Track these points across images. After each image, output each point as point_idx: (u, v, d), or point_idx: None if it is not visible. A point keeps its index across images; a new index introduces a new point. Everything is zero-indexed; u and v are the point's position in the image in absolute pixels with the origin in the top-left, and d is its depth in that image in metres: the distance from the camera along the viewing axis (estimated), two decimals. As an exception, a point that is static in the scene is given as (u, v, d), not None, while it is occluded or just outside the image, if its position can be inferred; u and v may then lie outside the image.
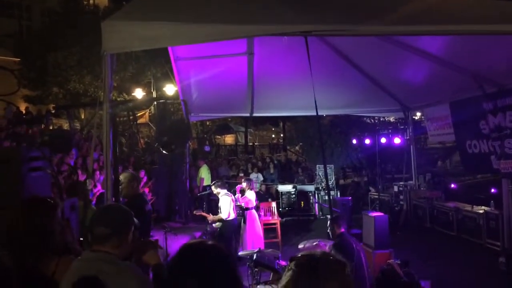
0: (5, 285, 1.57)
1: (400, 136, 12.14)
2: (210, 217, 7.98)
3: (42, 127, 15.40)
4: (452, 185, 12.63)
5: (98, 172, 9.70)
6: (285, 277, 1.45)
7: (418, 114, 20.22)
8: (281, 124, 27.71)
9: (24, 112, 17.54)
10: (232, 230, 7.92)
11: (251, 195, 8.24)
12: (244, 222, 8.19)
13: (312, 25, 4.06)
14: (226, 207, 7.67)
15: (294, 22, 4.05)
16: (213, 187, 8.03)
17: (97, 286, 1.93)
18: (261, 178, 14.46)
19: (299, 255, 1.51)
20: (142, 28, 3.91)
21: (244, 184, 8.42)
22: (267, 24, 4.01)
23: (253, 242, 7.83)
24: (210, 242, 1.65)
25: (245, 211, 8.20)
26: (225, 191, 7.89)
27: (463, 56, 7.23)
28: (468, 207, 9.78)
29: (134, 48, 4.43)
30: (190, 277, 1.50)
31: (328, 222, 5.92)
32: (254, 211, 8.25)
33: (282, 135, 29.43)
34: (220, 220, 7.79)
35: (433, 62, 7.76)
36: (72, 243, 2.51)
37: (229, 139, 30.92)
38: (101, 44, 3.89)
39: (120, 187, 4.28)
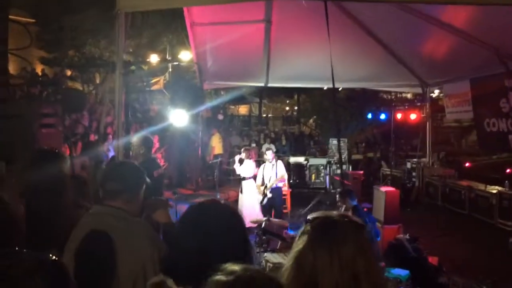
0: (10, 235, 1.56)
1: (416, 112, 11.92)
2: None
3: (54, 89, 15.48)
4: (467, 164, 12.47)
5: (111, 136, 9.75)
6: (300, 240, 1.39)
7: (436, 91, 19.85)
8: (295, 96, 27.43)
9: (40, 73, 17.61)
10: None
11: (249, 164, 8.26)
12: (242, 192, 8.24)
13: (333, -11, 3.93)
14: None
15: (314, -15, 3.92)
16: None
17: (106, 241, 1.92)
18: (274, 150, 14.44)
19: (315, 216, 1.45)
20: (158, -13, 3.82)
21: (243, 154, 8.45)
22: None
23: (252, 212, 7.84)
24: (222, 202, 1.62)
25: (242, 181, 8.25)
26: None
27: (487, 31, 6.97)
28: (481, 186, 9.66)
29: (148, 7, 4.34)
30: (199, 235, 1.47)
31: (337, 195, 5.90)
32: (252, 180, 8.29)
33: (296, 107, 29.20)
34: None
35: (456, 36, 7.50)
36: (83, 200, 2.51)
37: (243, 109, 30.80)
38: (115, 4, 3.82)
39: (131, 150, 4.28)
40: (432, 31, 7.64)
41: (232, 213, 1.58)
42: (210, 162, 12.05)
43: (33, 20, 17.90)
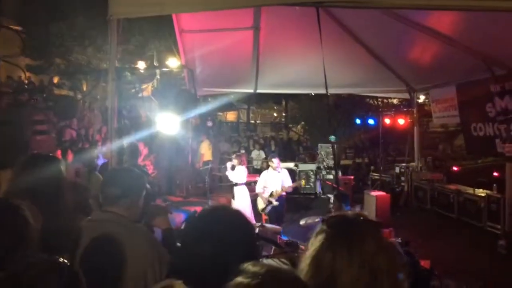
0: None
1: (404, 118, 12.06)
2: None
3: (44, 96, 15.32)
4: (454, 168, 12.63)
5: (100, 143, 9.67)
6: (317, 239, 1.37)
7: (422, 97, 20.10)
8: (283, 102, 27.55)
9: (26, 81, 17.40)
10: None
11: (241, 171, 8.25)
12: (234, 198, 8.22)
13: (324, -5, 3.96)
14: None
15: (306, -8, 3.95)
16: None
17: (114, 246, 1.88)
18: (263, 156, 14.47)
19: (331, 216, 1.44)
20: (150, -7, 3.81)
21: (235, 160, 8.43)
22: (279, -7, 3.92)
23: (252, 222, 7.88)
24: (231, 208, 1.61)
25: (234, 187, 8.23)
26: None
27: (473, 37, 7.10)
28: (470, 190, 9.79)
29: (141, 14, 4.33)
30: (211, 239, 1.45)
31: (332, 198, 5.91)
32: (244, 186, 8.28)
33: (284, 114, 29.30)
34: None
35: (442, 42, 7.62)
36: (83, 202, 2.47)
37: (231, 116, 30.81)
38: (107, 9, 3.80)
39: (124, 156, 4.25)
40: (419, 37, 7.75)
41: (242, 217, 1.58)
42: (200, 168, 12.00)
43: (19, 28, 17.72)
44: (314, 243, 1.37)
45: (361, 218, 1.41)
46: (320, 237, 1.37)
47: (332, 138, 6.70)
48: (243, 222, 1.57)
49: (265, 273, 1.09)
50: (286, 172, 8.38)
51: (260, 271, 1.10)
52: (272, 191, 8.03)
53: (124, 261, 1.90)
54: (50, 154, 2.45)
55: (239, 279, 1.09)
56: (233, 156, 8.90)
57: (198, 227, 1.54)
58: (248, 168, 10.11)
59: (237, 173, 8.27)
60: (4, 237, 1.49)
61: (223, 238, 1.46)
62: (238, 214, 1.58)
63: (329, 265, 1.31)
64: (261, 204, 8.11)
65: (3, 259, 1.41)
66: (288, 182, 8.24)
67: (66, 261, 1.07)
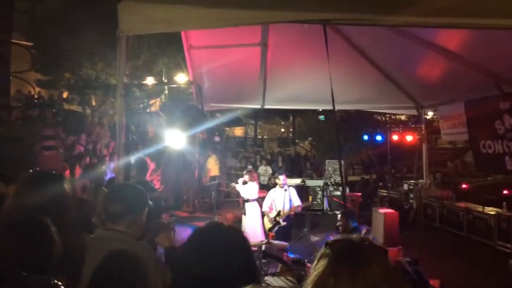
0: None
1: (412, 134, 12.00)
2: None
3: (53, 111, 15.47)
4: (463, 186, 12.50)
5: (107, 158, 9.70)
6: (320, 264, 1.33)
7: (430, 113, 20.03)
8: (291, 118, 27.58)
9: (36, 96, 17.61)
10: None
11: (253, 187, 8.20)
12: (245, 214, 8.17)
13: (332, 13, 3.98)
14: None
15: (313, 9, 3.97)
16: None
17: (132, 262, 1.84)
18: (270, 171, 14.43)
19: (335, 239, 1.40)
20: (159, 10, 3.85)
21: (246, 176, 8.39)
22: (286, 10, 3.93)
23: (254, 234, 7.77)
24: (228, 225, 1.59)
25: (245, 203, 8.18)
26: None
27: (481, 54, 7.08)
28: (479, 208, 9.66)
29: (150, 31, 4.37)
30: (206, 258, 1.44)
31: (339, 215, 5.85)
32: (255, 203, 8.22)
33: (291, 129, 29.30)
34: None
35: (450, 59, 7.61)
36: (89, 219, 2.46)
37: (238, 131, 30.87)
38: (117, 26, 3.84)
39: (132, 171, 4.25)
40: (426, 54, 7.74)
41: (238, 235, 1.56)
42: (207, 184, 11.98)
43: (30, 43, 18.02)
44: (317, 267, 1.33)
45: (366, 243, 1.37)
46: (323, 262, 1.33)
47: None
48: (239, 239, 1.55)
49: None
50: (294, 191, 8.26)
51: None
52: (280, 211, 7.91)
53: (141, 279, 1.84)
54: (53, 172, 2.45)
55: None
56: (245, 172, 8.88)
57: (195, 246, 1.52)
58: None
59: (249, 189, 8.23)
60: (35, 254, 1.49)
61: (220, 255, 1.44)
62: (235, 231, 1.57)
63: None
64: (267, 224, 8.01)
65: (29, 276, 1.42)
66: (296, 201, 8.11)
67: (60, 283, 1.06)
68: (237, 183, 8.63)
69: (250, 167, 14.07)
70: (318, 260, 1.35)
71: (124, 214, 2.10)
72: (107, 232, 2.09)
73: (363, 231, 5.51)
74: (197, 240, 1.53)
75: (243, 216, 8.27)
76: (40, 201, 2.20)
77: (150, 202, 2.26)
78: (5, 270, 1.44)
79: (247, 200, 8.21)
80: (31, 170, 2.78)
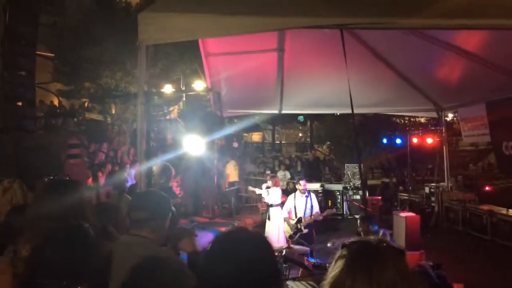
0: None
1: (432, 136, 11.86)
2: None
3: (75, 120, 15.79)
4: (486, 188, 12.27)
5: (128, 165, 9.85)
6: (336, 265, 1.34)
7: (450, 115, 19.73)
8: (308, 123, 27.52)
9: (57, 105, 17.98)
10: None
11: (277, 192, 8.20)
12: (269, 219, 8.18)
13: (348, 18, 4.00)
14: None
15: (330, 15, 3.99)
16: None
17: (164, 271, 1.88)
18: (288, 176, 14.42)
19: (352, 241, 1.41)
20: (178, 20, 3.93)
21: (269, 182, 8.41)
22: (303, 16, 3.97)
23: (278, 239, 7.79)
24: (251, 229, 1.61)
25: (269, 208, 8.18)
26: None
27: (501, 54, 6.98)
28: (503, 211, 9.48)
29: (169, 40, 4.45)
30: (230, 262, 1.45)
31: (359, 220, 5.82)
32: (279, 207, 8.22)
33: (309, 133, 29.23)
34: None
35: (470, 60, 7.52)
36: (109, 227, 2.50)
37: (256, 136, 30.93)
38: (137, 36, 3.94)
39: (153, 177, 4.32)
40: (446, 56, 7.67)
41: (262, 239, 1.57)
42: (227, 189, 12.04)
43: (51, 54, 18.43)
44: (334, 268, 1.35)
45: (384, 244, 1.38)
46: (340, 263, 1.34)
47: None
48: (263, 243, 1.56)
49: None
50: (314, 197, 8.21)
51: None
52: (300, 217, 7.84)
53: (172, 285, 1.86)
54: (70, 179, 2.51)
55: None
56: (268, 177, 8.93)
57: (218, 250, 1.54)
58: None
59: (272, 194, 8.26)
60: (76, 262, 1.53)
61: (244, 260, 1.46)
62: (258, 236, 1.59)
63: None
64: (288, 230, 7.97)
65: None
66: (316, 208, 8.04)
67: None
68: (261, 188, 8.67)
69: (268, 172, 14.11)
70: (336, 261, 1.36)
71: (148, 220, 2.15)
72: (132, 238, 2.13)
73: (387, 236, 5.47)
74: (221, 244, 1.54)
75: (267, 221, 8.28)
76: (58, 208, 2.24)
77: (173, 208, 2.30)
78: (48, 279, 1.47)
79: (271, 205, 8.23)
80: (48, 178, 2.86)
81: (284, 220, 7.99)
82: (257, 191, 9.03)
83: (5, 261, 2.04)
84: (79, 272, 1.51)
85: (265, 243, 1.57)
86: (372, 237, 1.44)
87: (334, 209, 9.04)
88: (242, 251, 1.49)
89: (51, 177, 2.75)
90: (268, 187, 8.42)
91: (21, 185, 3.09)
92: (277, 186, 8.35)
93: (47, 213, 2.05)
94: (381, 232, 5.61)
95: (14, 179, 3.05)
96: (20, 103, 3.94)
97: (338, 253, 1.39)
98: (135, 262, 1.80)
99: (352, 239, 1.43)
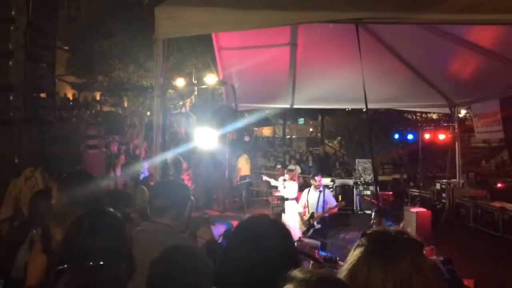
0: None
1: (444, 133, 11.79)
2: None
3: (87, 113, 16.00)
4: (498, 185, 12.19)
5: (141, 158, 9.96)
6: (356, 252, 1.38)
7: (463, 112, 19.56)
8: (319, 117, 27.47)
9: (71, 98, 18.20)
10: None
11: (293, 186, 8.22)
12: (284, 212, 8.23)
13: (363, 12, 4.02)
14: None
15: (345, 9, 4.01)
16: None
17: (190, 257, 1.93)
18: (299, 171, 14.43)
19: (372, 231, 1.45)
20: (194, 14, 3.98)
21: (287, 175, 8.45)
22: (318, 10, 4.00)
23: (293, 232, 7.85)
24: (271, 217, 1.66)
25: (285, 201, 8.23)
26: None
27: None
28: (515, 208, 9.43)
29: (185, 34, 4.52)
30: (253, 248, 1.50)
31: (373, 214, 5.84)
32: (294, 201, 8.26)
33: (320, 128, 29.19)
34: None
35: (483, 55, 7.47)
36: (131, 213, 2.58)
37: (266, 131, 30.97)
38: (150, 29, 4.01)
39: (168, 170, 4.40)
40: (459, 51, 7.63)
41: (282, 226, 1.62)
42: (238, 183, 12.11)
43: (66, 47, 18.62)
44: (352, 256, 1.38)
45: (404, 235, 1.40)
46: (358, 251, 1.37)
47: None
48: (283, 230, 1.60)
49: (316, 281, 1.12)
50: (329, 193, 8.17)
51: (310, 278, 1.12)
52: (313, 212, 7.86)
53: (197, 272, 1.92)
54: (89, 171, 2.59)
55: (289, 286, 1.13)
56: (286, 170, 9.00)
57: (239, 236, 1.58)
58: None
59: (288, 188, 8.30)
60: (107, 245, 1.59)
61: (265, 246, 1.50)
62: (278, 223, 1.63)
63: (364, 280, 1.31)
64: (301, 226, 7.97)
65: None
66: (332, 203, 8.01)
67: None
68: (276, 179, 8.74)
69: (279, 166, 14.14)
70: (354, 249, 1.40)
71: (169, 208, 2.21)
72: (154, 225, 2.20)
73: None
74: (242, 230, 1.60)
75: (282, 214, 8.33)
76: (82, 196, 2.32)
77: (192, 197, 2.37)
78: (82, 262, 1.53)
79: (287, 199, 8.28)
80: (70, 169, 2.94)
81: (299, 215, 8.02)
82: (272, 182, 9.09)
83: (38, 243, 2.12)
84: (113, 254, 1.57)
85: (285, 229, 1.62)
86: (392, 228, 1.46)
87: (343, 202, 9.01)
88: (264, 237, 1.53)
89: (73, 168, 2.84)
90: (284, 180, 8.47)
91: (42, 174, 3.19)
92: (293, 180, 8.37)
93: (74, 200, 2.13)
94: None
95: (36, 167, 3.16)
96: (42, 95, 4.05)
97: (358, 241, 1.42)
98: (159, 249, 1.88)
99: (373, 229, 1.46)
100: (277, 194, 8.74)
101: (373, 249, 1.36)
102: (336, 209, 8.04)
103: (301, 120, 25.78)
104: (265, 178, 9.77)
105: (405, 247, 1.36)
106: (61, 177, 2.51)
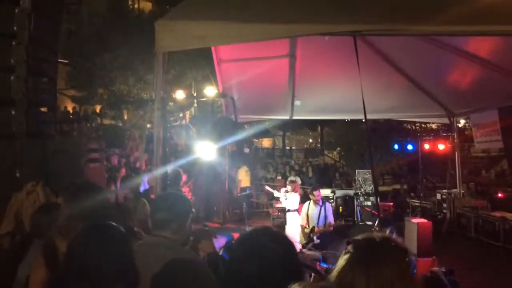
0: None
1: (444, 143, 11.82)
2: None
3: (88, 126, 16.04)
4: (499, 195, 12.18)
5: (142, 170, 9.95)
6: (341, 261, 1.40)
7: (462, 121, 19.60)
8: (319, 128, 27.55)
9: (71, 111, 18.25)
10: None
11: (295, 197, 8.20)
12: (286, 223, 8.21)
13: (361, 24, 4.07)
14: None
15: (343, 21, 4.06)
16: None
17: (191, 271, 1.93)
18: (299, 182, 14.41)
19: (358, 238, 1.46)
20: (194, 27, 4.02)
21: (289, 187, 8.44)
22: (316, 23, 4.04)
23: (295, 244, 7.80)
24: (274, 230, 1.67)
25: (287, 213, 8.21)
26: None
27: (513, 59, 6.97)
28: (516, 217, 9.41)
29: (186, 47, 4.56)
30: (257, 260, 1.51)
31: (376, 224, 5.83)
32: (296, 213, 8.24)
33: (319, 139, 29.24)
34: None
35: (481, 66, 7.52)
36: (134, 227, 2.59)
37: (266, 142, 31.00)
38: (150, 43, 4.04)
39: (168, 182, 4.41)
40: (457, 62, 7.68)
41: (285, 239, 1.63)
42: (238, 195, 12.10)
43: (65, 61, 18.72)
44: (339, 263, 1.41)
45: (389, 242, 1.41)
46: (343, 259, 1.40)
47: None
48: (286, 243, 1.62)
49: None
50: (330, 207, 8.04)
51: None
52: (313, 227, 7.76)
53: (198, 285, 1.92)
54: (95, 183, 2.59)
55: None
56: (288, 182, 8.97)
57: (243, 249, 1.59)
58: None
59: (290, 200, 8.28)
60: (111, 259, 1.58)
61: (268, 258, 1.51)
62: (281, 236, 1.64)
63: (349, 286, 1.33)
64: (302, 239, 7.83)
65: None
66: (331, 219, 7.90)
67: None
68: (278, 191, 8.72)
69: (279, 177, 14.14)
70: (342, 256, 1.43)
71: (170, 221, 2.22)
72: (155, 238, 2.21)
73: None
74: (245, 242, 1.60)
75: (286, 226, 8.30)
76: (86, 210, 2.32)
77: (193, 210, 2.38)
78: (82, 278, 1.52)
79: (288, 210, 8.25)
80: (75, 181, 2.94)
81: (300, 228, 7.95)
82: (275, 193, 9.07)
83: (40, 256, 2.12)
84: (113, 270, 1.57)
85: (288, 241, 1.63)
86: (378, 234, 1.47)
87: (343, 221, 8.95)
88: (266, 249, 1.54)
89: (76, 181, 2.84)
90: (286, 191, 8.45)
91: (44, 188, 3.20)
92: (296, 191, 8.35)
93: (78, 213, 2.12)
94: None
95: (38, 182, 3.17)
96: (43, 109, 4.08)
97: (346, 249, 1.44)
98: (161, 263, 1.88)
99: (359, 236, 1.48)
100: (278, 205, 8.70)
101: (357, 256, 1.38)
102: (332, 228, 7.89)
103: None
104: (267, 188, 9.78)
105: (389, 253, 1.37)
106: (68, 188, 2.51)
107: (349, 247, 1.44)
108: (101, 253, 1.56)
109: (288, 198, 8.33)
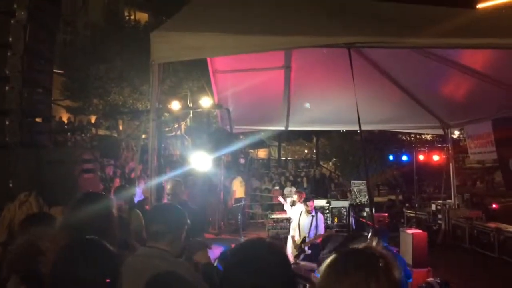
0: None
1: (438, 154, 11.87)
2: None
3: (82, 136, 15.99)
4: (494, 206, 12.21)
5: (137, 181, 9.90)
6: (325, 272, 1.40)
7: (457, 133, 19.73)
8: (314, 139, 27.62)
9: (66, 122, 18.20)
10: None
11: (300, 208, 8.13)
12: (289, 233, 8.18)
13: (355, 37, 4.10)
14: None
15: (337, 34, 4.10)
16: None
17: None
18: (294, 190, 14.42)
19: (341, 250, 1.47)
20: (189, 39, 4.05)
21: (295, 196, 8.43)
22: (312, 35, 4.07)
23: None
24: (268, 240, 1.66)
25: (290, 223, 8.19)
26: None
27: (507, 72, 7.04)
28: (510, 228, 9.42)
29: (181, 58, 4.57)
30: (251, 271, 1.51)
31: (369, 234, 5.82)
32: None
33: (315, 150, 29.30)
34: None
35: (476, 78, 7.59)
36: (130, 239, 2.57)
37: (262, 153, 31.02)
38: (146, 54, 4.05)
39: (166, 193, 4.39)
40: (451, 74, 7.74)
41: (280, 250, 1.63)
42: (233, 206, 12.06)
43: (61, 71, 18.72)
44: (323, 274, 1.41)
45: (372, 252, 1.41)
46: (323, 268, 1.41)
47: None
48: (281, 254, 1.62)
49: None
50: (321, 218, 7.98)
51: None
52: (305, 237, 7.68)
53: None
54: (101, 193, 2.57)
55: None
56: (294, 191, 8.98)
57: (238, 260, 1.59)
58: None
59: (295, 210, 8.22)
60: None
61: (264, 270, 1.51)
62: (276, 246, 1.64)
63: None
64: (293, 250, 7.77)
65: None
66: (321, 230, 7.82)
67: None
68: (285, 202, 8.73)
69: (277, 187, 14.12)
70: (324, 268, 1.41)
71: (165, 233, 2.21)
72: (150, 250, 2.19)
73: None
74: (240, 253, 1.60)
75: (289, 236, 8.23)
76: (90, 219, 2.28)
77: (189, 221, 2.36)
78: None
79: (292, 220, 8.23)
80: (79, 192, 2.91)
81: (291, 239, 7.89)
82: (285, 206, 9.06)
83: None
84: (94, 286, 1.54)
85: (282, 252, 1.63)
86: (362, 244, 1.47)
87: (334, 230, 8.95)
88: (260, 259, 1.54)
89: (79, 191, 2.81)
90: (293, 202, 8.45)
91: (37, 199, 3.18)
92: (301, 202, 8.31)
93: (78, 223, 2.09)
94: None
95: (30, 192, 3.15)
96: (38, 119, 4.06)
97: (329, 260, 1.44)
98: (154, 274, 1.86)
99: (344, 248, 1.48)
100: (278, 216, 8.71)
101: (337, 268, 1.38)
102: (320, 239, 7.84)
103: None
104: (280, 198, 9.79)
105: (372, 263, 1.36)
106: (74, 199, 2.46)
107: (332, 258, 1.44)
108: (84, 270, 1.53)
109: (292, 208, 8.34)
